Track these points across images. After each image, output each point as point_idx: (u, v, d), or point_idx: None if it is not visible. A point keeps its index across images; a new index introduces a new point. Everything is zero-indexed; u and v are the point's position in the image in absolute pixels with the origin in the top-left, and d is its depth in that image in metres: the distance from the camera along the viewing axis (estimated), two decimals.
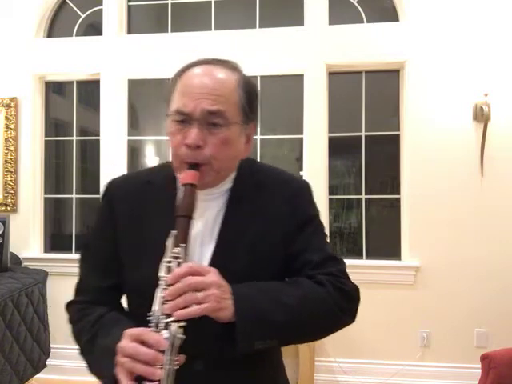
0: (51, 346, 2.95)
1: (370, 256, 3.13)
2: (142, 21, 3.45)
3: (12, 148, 3.29)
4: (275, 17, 3.23)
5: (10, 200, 3.29)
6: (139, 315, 0.85)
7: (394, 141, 3.13)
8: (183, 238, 0.83)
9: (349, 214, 3.21)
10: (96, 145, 3.31)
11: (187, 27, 3.28)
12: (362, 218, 3.17)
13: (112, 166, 3.24)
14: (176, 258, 0.82)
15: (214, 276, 0.82)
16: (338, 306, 0.92)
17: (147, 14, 3.46)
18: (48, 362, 2.92)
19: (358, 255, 3.14)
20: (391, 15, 3.11)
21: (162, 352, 0.76)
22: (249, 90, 0.94)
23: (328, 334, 0.96)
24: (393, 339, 2.97)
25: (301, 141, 3.14)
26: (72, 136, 3.44)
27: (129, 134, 3.34)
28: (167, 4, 3.34)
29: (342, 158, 3.24)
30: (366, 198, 3.17)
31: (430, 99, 2.96)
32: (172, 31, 3.32)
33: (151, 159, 3.41)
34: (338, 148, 3.16)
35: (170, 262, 0.82)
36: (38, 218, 3.37)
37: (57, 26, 3.42)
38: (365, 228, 3.16)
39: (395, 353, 2.98)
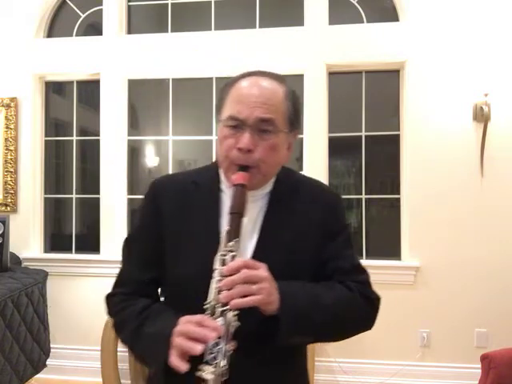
0: (51, 345, 2.95)
1: (370, 256, 3.13)
2: (142, 21, 3.45)
3: (12, 148, 3.29)
4: (275, 17, 3.23)
5: (10, 200, 3.29)
6: (180, 307, 0.94)
7: (394, 141, 3.13)
8: (236, 233, 0.90)
9: (349, 214, 3.21)
10: (96, 145, 3.31)
11: (187, 27, 3.28)
12: (362, 218, 3.17)
13: (112, 165, 3.25)
14: (230, 251, 0.88)
15: (265, 271, 0.89)
16: (363, 312, 1.04)
17: (147, 14, 3.46)
18: (48, 362, 2.92)
19: (358, 255, 3.11)
20: (391, 15, 3.11)
21: (219, 337, 0.83)
22: (294, 101, 1.04)
23: (349, 336, 1.05)
24: (393, 339, 2.97)
25: (301, 141, 3.13)
26: (72, 136, 3.44)
27: (129, 134, 3.34)
28: (167, 4, 3.34)
29: (342, 158, 3.24)
30: (365, 198, 3.17)
31: (429, 99, 2.96)
32: (172, 31, 3.32)
33: (151, 159, 3.41)
34: (337, 148, 3.16)
35: (224, 255, 0.88)
36: (38, 218, 3.37)
37: (57, 26, 3.42)
38: (365, 228, 3.16)
39: (395, 353, 2.98)
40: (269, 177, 1.04)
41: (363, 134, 3.16)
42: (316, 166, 3.06)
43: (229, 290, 0.84)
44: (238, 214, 0.92)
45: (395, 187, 3.13)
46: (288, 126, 1.02)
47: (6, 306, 2.48)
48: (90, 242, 3.33)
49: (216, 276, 0.87)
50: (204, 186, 1.07)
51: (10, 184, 3.29)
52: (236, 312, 0.84)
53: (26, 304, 2.68)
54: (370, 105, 3.16)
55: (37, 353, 2.78)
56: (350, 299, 1.00)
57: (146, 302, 1.01)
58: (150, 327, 0.95)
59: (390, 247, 3.11)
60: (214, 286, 0.87)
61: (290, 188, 1.07)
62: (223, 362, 0.82)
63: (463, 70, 2.93)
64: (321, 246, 1.03)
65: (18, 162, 3.31)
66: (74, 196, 3.42)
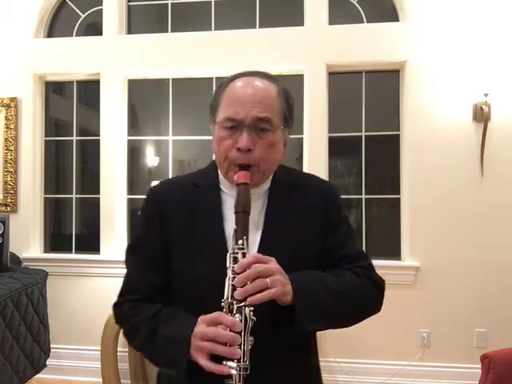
0: (51, 345, 2.95)
1: (370, 256, 3.12)
2: (142, 21, 3.44)
3: (12, 148, 3.29)
4: (275, 17, 3.23)
5: (9, 200, 3.29)
6: (191, 307, 0.95)
7: (394, 141, 3.13)
8: (244, 231, 0.92)
9: (349, 214, 3.21)
10: (96, 145, 3.31)
11: (187, 27, 3.28)
12: (362, 218, 3.17)
13: (112, 165, 3.25)
14: (241, 249, 0.91)
15: (275, 264, 0.91)
16: (371, 295, 1.07)
17: (147, 13, 3.46)
18: (48, 362, 2.92)
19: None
20: (391, 15, 3.11)
21: (238, 333, 0.85)
22: (287, 98, 1.06)
23: (360, 320, 1.07)
24: (393, 339, 2.97)
25: (301, 141, 3.13)
26: (72, 136, 3.44)
27: (129, 134, 3.34)
28: (167, 4, 3.34)
29: (342, 158, 3.24)
30: (366, 198, 3.17)
31: (429, 99, 2.96)
32: (172, 31, 3.32)
33: (151, 159, 3.41)
34: (338, 148, 3.16)
35: (235, 253, 0.91)
36: (38, 218, 3.37)
37: (57, 26, 3.42)
38: (365, 228, 3.16)
39: (395, 353, 2.98)
40: (268, 174, 1.06)
41: (363, 134, 3.16)
42: (316, 166, 3.06)
43: (243, 286, 0.86)
44: (244, 212, 0.94)
45: (395, 187, 3.13)
46: (283, 123, 1.04)
47: (6, 306, 2.48)
48: (90, 242, 3.33)
49: (229, 274, 0.89)
50: (204, 187, 1.09)
51: (10, 184, 3.29)
52: (252, 308, 0.87)
53: (26, 304, 2.68)
54: (370, 105, 3.16)
55: (37, 353, 2.78)
56: (357, 284, 1.03)
57: (157, 306, 1.01)
58: (165, 329, 0.95)
59: (390, 247, 3.11)
60: (227, 283, 0.89)
61: (288, 183, 1.10)
62: (245, 357, 0.85)
63: (463, 69, 2.93)
64: (324, 236, 1.06)
65: (18, 162, 3.31)
66: (73, 196, 3.42)
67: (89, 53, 3.27)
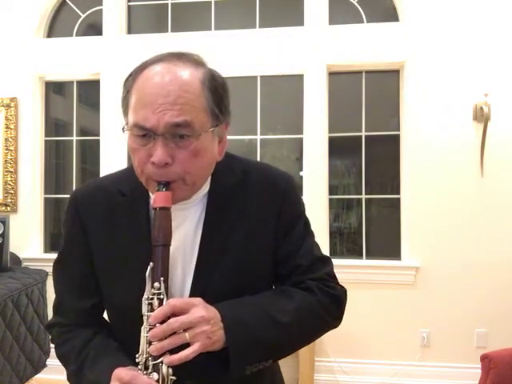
0: (51, 345, 2.95)
1: (370, 256, 3.13)
2: (142, 21, 3.44)
3: (12, 148, 3.29)
4: (275, 17, 3.23)
5: (10, 200, 3.29)
6: (124, 333, 0.89)
7: (394, 141, 3.13)
8: (163, 270, 0.77)
9: (349, 214, 3.21)
10: (96, 145, 3.31)
11: (187, 27, 3.28)
12: (362, 218, 3.17)
13: (112, 165, 3.24)
14: (157, 294, 0.77)
15: (200, 310, 0.77)
16: (329, 314, 0.91)
17: (147, 14, 3.46)
18: (48, 362, 2.92)
19: (358, 255, 3.14)
20: (391, 15, 3.11)
21: None
22: (216, 87, 0.84)
23: (315, 340, 0.95)
24: (393, 339, 2.97)
25: (301, 141, 3.13)
26: (72, 136, 3.44)
27: None
28: (167, 4, 3.34)
29: (342, 158, 3.24)
30: (365, 198, 3.17)
31: (430, 99, 2.96)
32: (172, 31, 3.32)
33: None
34: (337, 148, 3.16)
35: (151, 298, 0.77)
36: (38, 218, 3.37)
37: (57, 25, 3.42)
38: (365, 228, 3.16)
39: (395, 353, 2.98)
40: (199, 184, 0.86)
41: (363, 134, 3.16)
42: (316, 166, 3.06)
43: (159, 340, 0.75)
44: (162, 245, 0.78)
45: (395, 187, 3.13)
46: (212, 122, 0.83)
47: (5, 306, 2.48)
48: None
49: (144, 323, 0.76)
50: (130, 195, 0.91)
51: (10, 184, 3.29)
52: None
53: (26, 304, 2.68)
54: (370, 105, 3.15)
55: (37, 353, 2.78)
56: (311, 306, 0.88)
57: (86, 336, 0.91)
58: (90, 372, 0.86)
59: (390, 247, 3.11)
60: (142, 334, 0.77)
61: (233, 181, 0.91)
62: None
63: (463, 70, 2.93)
64: (278, 243, 0.91)
65: (18, 162, 3.31)
66: None
67: (89, 53, 3.27)
